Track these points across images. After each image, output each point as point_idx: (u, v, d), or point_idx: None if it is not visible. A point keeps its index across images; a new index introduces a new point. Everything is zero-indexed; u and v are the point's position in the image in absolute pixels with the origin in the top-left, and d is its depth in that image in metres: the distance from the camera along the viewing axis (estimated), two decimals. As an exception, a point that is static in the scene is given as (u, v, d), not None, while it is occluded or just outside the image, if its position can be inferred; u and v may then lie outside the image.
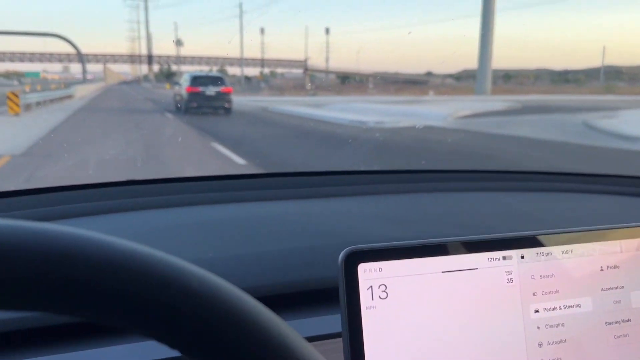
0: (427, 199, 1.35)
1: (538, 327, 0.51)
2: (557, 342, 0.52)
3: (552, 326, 0.52)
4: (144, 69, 26.43)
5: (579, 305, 0.53)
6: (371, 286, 0.47)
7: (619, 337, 0.54)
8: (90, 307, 0.26)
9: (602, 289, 0.54)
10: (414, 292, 0.48)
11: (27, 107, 10.48)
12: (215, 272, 0.30)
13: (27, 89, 12.63)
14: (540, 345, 0.51)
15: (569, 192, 1.41)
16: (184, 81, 12.53)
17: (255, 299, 0.31)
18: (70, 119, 10.40)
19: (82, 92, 16.69)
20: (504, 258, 0.51)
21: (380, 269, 0.47)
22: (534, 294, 0.52)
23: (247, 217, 1.13)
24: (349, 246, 0.47)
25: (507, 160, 7.34)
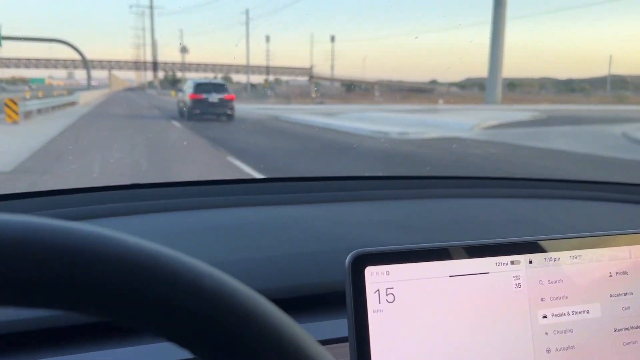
0: (434, 205, 1.35)
1: (546, 333, 0.51)
2: (566, 348, 0.51)
3: (561, 332, 0.52)
4: (148, 75, 26.54)
5: (588, 312, 0.52)
6: (378, 290, 0.47)
7: (627, 343, 0.53)
8: (115, 309, 0.26)
9: (611, 295, 0.53)
10: (421, 296, 0.48)
11: (27, 114, 10.10)
12: None
13: (27, 95, 12.33)
14: (548, 351, 0.51)
15: (577, 199, 1.40)
16: (188, 88, 12.60)
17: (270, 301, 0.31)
18: (72, 128, 9.97)
19: (86, 99, 16.46)
20: (512, 263, 0.51)
21: (388, 273, 0.47)
22: (542, 300, 0.51)
23: (254, 221, 1.13)
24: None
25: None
